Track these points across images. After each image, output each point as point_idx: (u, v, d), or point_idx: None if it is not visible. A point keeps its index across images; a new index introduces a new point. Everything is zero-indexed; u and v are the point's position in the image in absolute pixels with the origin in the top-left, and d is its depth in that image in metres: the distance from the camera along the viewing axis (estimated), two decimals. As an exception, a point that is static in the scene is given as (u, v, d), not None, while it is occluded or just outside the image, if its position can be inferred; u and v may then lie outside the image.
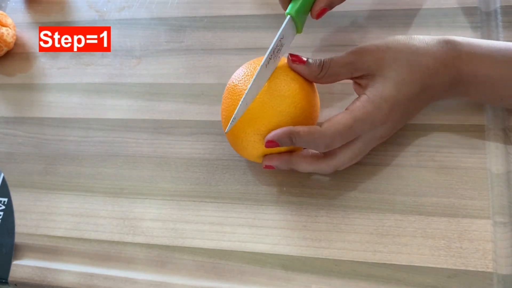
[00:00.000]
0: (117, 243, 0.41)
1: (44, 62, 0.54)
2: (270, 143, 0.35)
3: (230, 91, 0.38)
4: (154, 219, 0.41)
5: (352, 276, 0.36)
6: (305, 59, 0.37)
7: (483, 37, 0.43)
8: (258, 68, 0.35)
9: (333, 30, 0.47)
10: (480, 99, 0.39)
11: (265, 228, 0.39)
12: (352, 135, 0.35)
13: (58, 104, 0.50)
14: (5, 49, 0.54)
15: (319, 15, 0.39)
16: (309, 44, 0.47)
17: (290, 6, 0.38)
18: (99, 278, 0.40)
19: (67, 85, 0.51)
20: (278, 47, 0.36)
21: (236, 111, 0.35)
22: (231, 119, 0.35)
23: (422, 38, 0.36)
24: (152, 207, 0.42)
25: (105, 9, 0.56)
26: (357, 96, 0.36)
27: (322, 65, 0.37)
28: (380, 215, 0.38)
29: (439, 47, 0.36)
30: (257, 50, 0.48)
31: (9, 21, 0.54)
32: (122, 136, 0.46)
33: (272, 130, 0.35)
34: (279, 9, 0.44)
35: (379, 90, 0.35)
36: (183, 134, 0.45)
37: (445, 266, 0.35)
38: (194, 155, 0.44)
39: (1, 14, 0.54)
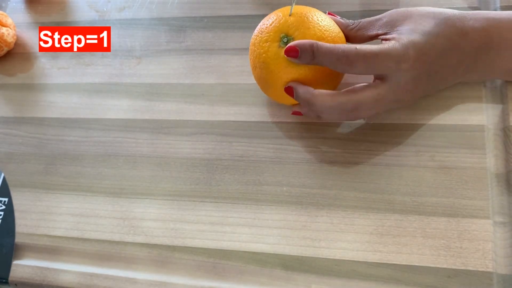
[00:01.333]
0: (117, 243, 0.41)
1: (44, 62, 0.54)
2: (290, 51, 0.35)
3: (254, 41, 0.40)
4: (154, 219, 0.41)
5: (352, 276, 0.36)
6: (339, 17, 0.40)
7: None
8: None
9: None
10: (509, 69, 0.37)
11: (265, 228, 0.39)
12: (376, 65, 0.34)
13: (58, 104, 0.50)
14: (6, 49, 0.54)
15: None
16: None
17: None
18: (99, 278, 0.40)
19: (67, 85, 0.51)
20: None
21: None
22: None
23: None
24: (152, 207, 0.42)
25: (105, 9, 0.56)
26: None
27: (353, 21, 0.39)
28: (380, 215, 0.38)
29: (467, 14, 0.36)
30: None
31: (9, 21, 0.54)
32: (122, 136, 0.46)
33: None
34: (277, 9, 0.44)
35: (407, 36, 0.35)
36: (183, 134, 0.45)
37: (445, 266, 0.35)
38: (194, 155, 0.44)
39: (1, 14, 0.54)
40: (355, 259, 0.36)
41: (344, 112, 0.36)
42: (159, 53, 0.51)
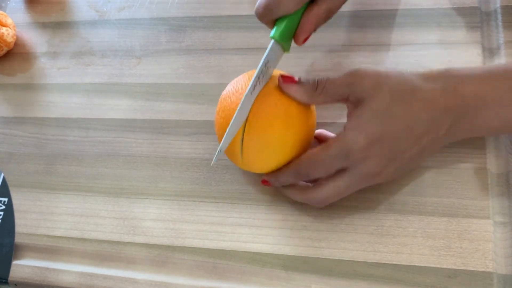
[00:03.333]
0: (117, 243, 0.41)
1: (44, 62, 0.54)
2: (264, 182, 0.38)
3: (222, 104, 0.37)
4: (154, 219, 0.41)
5: (352, 276, 0.36)
6: (297, 78, 0.36)
7: (483, 37, 0.43)
8: (243, 97, 0.34)
9: (333, 30, 0.47)
10: (495, 126, 0.34)
11: (265, 228, 0.39)
12: (332, 165, 0.34)
13: (58, 104, 0.50)
14: (5, 49, 0.54)
15: (303, 42, 0.37)
16: (310, 44, 0.46)
17: (274, 29, 0.36)
18: (99, 278, 0.40)
19: (67, 85, 0.51)
20: (263, 73, 0.35)
21: (221, 143, 0.35)
22: (217, 151, 0.35)
23: (422, 74, 0.34)
24: (152, 207, 0.42)
25: (105, 9, 0.56)
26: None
27: (317, 84, 0.35)
28: (380, 215, 0.38)
29: (438, 77, 0.34)
30: (257, 50, 0.48)
31: (9, 21, 0.54)
32: (122, 136, 0.46)
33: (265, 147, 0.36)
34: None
35: (360, 122, 0.33)
36: (183, 134, 0.45)
37: (445, 266, 0.35)
38: (194, 155, 0.44)
39: (1, 14, 0.54)
40: (355, 259, 0.36)
41: (315, 204, 0.37)
42: (159, 53, 0.51)
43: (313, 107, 0.38)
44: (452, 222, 0.36)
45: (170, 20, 0.53)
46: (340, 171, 0.34)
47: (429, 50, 0.43)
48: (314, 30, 0.37)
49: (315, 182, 0.36)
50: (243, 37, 0.49)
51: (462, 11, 0.45)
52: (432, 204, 0.37)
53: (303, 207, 0.39)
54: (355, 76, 0.34)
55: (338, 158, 0.34)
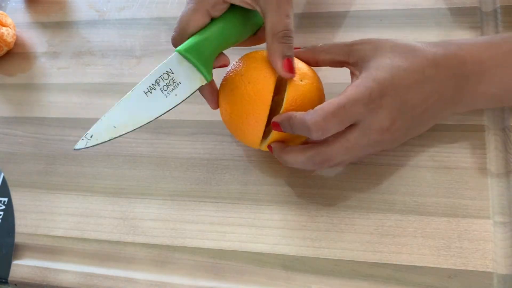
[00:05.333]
0: (117, 243, 0.41)
1: (44, 62, 0.54)
2: (274, 125, 0.35)
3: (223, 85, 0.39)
4: (154, 219, 0.41)
5: (352, 276, 0.36)
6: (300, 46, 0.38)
7: (483, 37, 0.43)
8: (131, 94, 0.35)
9: (333, 30, 0.47)
10: (497, 93, 0.35)
11: (265, 228, 0.39)
12: (346, 117, 0.33)
13: (58, 104, 0.50)
14: (5, 49, 0.54)
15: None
16: (310, 44, 0.46)
17: (185, 43, 0.37)
18: (99, 278, 0.40)
19: (67, 85, 0.51)
20: (164, 79, 0.36)
21: (93, 128, 0.35)
22: (87, 135, 0.35)
23: (421, 42, 0.35)
24: (152, 207, 0.42)
25: (105, 9, 0.56)
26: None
27: (319, 44, 0.38)
28: (380, 215, 0.38)
29: (437, 44, 0.35)
30: (256, 49, 0.48)
31: (9, 21, 0.54)
32: (122, 136, 0.46)
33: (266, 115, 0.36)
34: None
35: (372, 73, 0.33)
36: (183, 134, 0.45)
37: (445, 266, 0.35)
38: (194, 155, 0.44)
39: (1, 14, 0.54)
40: (355, 259, 0.36)
41: (316, 165, 0.35)
42: (159, 53, 0.51)
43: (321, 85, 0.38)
44: (452, 222, 0.36)
45: (170, 20, 0.53)
46: (350, 127, 0.34)
47: (429, 50, 0.43)
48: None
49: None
50: (243, 37, 0.49)
51: (462, 11, 0.45)
52: (432, 204, 0.37)
53: (303, 207, 0.39)
54: (356, 41, 0.37)
55: (357, 106, 0.32)
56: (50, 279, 0.41)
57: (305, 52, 0.38)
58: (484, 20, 0.44)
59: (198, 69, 0.36)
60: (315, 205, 0.39)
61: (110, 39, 0.53)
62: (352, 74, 0.37)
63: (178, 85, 0.36)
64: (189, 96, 0.37)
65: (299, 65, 0.37)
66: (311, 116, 0.33)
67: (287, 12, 0.35)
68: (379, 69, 0.34)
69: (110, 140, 0.35)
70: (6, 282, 0.42)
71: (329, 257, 0.37)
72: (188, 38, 0.37)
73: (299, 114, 0.34)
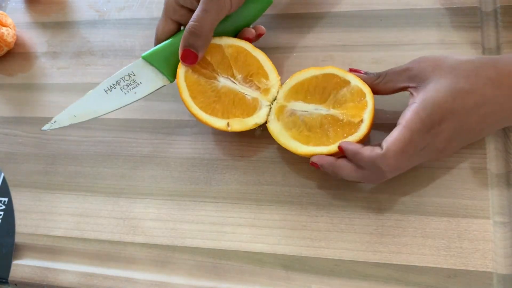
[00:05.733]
0: (117, 243, 0.41)
1: (44, 62, 0.54)
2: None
3: None
4: (154, 219, 0.41)
5: (352, 276, 0.36)
6: (363, 71, 0.39)
7: (483, 37, 0.43)
8: (92, 92, 0.42)
9: (333, 30, 0.47)
10: None
11: (265, 228, 0.39)
12: (416, 150, 0.33)
13: (58, 104, 0.50)
14: (5, 49, 0.54)
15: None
16: (311, 44, 0.47)
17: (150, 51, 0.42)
18: (99, 278, 0.40)
19: (67, 85, 0.51)
20: (129, 83, 0.41)
21: (58, 116, 0.42)
22: (52, 121, 0.42)
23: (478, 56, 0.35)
24: (152, 207, 0.42)
25: (105, 9, 0.56)
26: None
27: (380, 74, 0.38)
28: (380, 215, 0.38)
29: (499, 61, 0.34)
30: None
31: (9, 21, 0.54)
32: (122, 136, 0.46)
33: None
34: (278, 9, 0.45)
35: (433, 96, 0.33)
36: (183, 134, 0.45)
37: (445, 266, 0.35)
38: (194, 155, 0.44)
39: (1, 14, 0.54)
40: (355, 259, 0.36)
41: (367, 180, 0.36)
42: (159, 53, 0.51)
43: None
44: (452, 222, 0.36)
45: (170, 20, 0.53)
46: None
47: (429, 50, 0.43)
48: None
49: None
50: (243, 37, 0.49)
51: (462, 11, 0.45)
52: (432, 204, 0.37)
53: (303, 207, 0.39)
54: (413, 62, 0.36)
55: (422, 137, 0.33)
56: (50, 279, 0.41)
57: (366, 80, 0.38)
58: (484, 20, 0.44)
59: (162, 72, 0.41)
60: (315, 205, 0.39)
61: (110, 39, 0.53)
62: (411, 95, 0.36)
63: (138, 85, 0.42)
64: (148, 94, 0.42)
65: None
66: (382, 158, 0.33)
67: (206, 8, 0.39)
68: (440, 91, 0.33)
69: (69, 125, 0.42)
70: (6, 282, 0.42)
71: (329, 257, 0.37)
72: (160, 43, 0.42)
73: (367, 154, 0.34)
